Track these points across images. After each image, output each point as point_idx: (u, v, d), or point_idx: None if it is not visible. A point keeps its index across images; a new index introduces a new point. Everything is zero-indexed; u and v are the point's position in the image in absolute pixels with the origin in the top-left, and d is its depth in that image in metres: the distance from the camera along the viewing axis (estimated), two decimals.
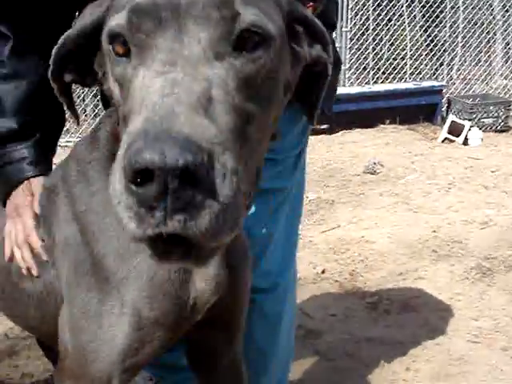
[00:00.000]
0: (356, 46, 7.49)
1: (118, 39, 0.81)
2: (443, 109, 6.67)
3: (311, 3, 1.28)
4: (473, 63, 8.70)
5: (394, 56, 8.48)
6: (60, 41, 0.99)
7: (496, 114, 6.37)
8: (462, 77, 8.37)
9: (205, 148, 0.67)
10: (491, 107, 6.37)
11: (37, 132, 1.38)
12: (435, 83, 6.67)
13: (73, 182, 1.23)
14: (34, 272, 1.32)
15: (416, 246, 3.61)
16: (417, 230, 3.85)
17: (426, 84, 6.58)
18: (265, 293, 1.66)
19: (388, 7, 8.27)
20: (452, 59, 9.14)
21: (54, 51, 0.99)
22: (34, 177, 1.34)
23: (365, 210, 4.23)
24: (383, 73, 7.96)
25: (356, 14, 7.90)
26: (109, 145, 1.17)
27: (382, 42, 8.53)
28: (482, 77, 8.37)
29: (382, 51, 8.54)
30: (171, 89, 0.71)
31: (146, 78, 0.76)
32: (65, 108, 1.10)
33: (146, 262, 1.13)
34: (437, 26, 8.90)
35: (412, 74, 8.68)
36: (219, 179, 0.69)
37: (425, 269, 3.31)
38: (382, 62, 8.25)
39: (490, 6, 9.20)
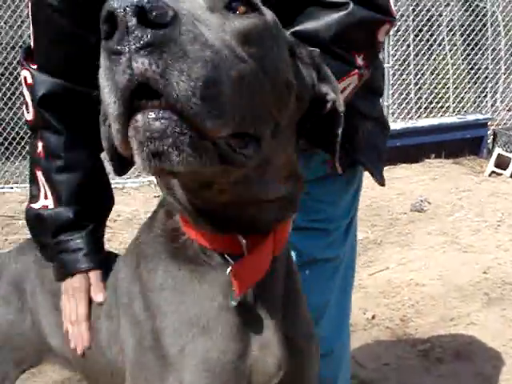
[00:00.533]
0: (398, 82, 7.53)
1: None
2: (489, 141, 6.62)
3: (356, 70, 1.31)
4: None
5: (436, 85, 8.47)
6: None
7: None
8: (506, 106, 8.30)
9: (172, 8, 0.70)
10: None
11: (91, 221, 1.45)
12: (480, 116, 6.62)
13: (133, 261, 1.27)
14: (79, 351, 1.39)
15: (467, 289, 3.59)
16: (467, 271, 3.82)
17: (471, 117, 6.55)
18: (320, 358, 1.69)
19: (428, 35, 8.28)
20: (495, 86, 9.09)
21: None
22: (89, 270, 1.41)
23: (413, 250, 4.22)
24: (425, 103, 7.97)
25: (396, 50, 7.94)
26: (161, 223, 1.20)
27: (424, 71, 8.54)
28: None
29: (425, 84, 8.56)
30: None
31: None
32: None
33: (202, 337, 1.13)
34: (478, 53, 8.88)
35: (455, 104, 8.68)
36: (187, 39, 0.71)
37: (476, 314, 3.29)
38: (424, 92, 8.25)
39: None
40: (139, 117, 0.73)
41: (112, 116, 0.74)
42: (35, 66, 1.44)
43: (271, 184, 1.01)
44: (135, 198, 5.67)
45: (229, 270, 1.07)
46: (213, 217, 1.03)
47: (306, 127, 1.09)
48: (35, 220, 1.48)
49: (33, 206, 1.49)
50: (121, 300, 1.29)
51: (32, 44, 1.45)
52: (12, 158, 7.87)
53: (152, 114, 0.72)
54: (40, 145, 1.46)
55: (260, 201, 1.01)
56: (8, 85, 7.82)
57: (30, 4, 1.42)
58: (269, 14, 0.94)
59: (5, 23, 7.79)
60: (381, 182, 1.58)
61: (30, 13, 1.43)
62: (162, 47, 0.69)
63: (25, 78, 1.45)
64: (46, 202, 1.46)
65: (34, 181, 1.50)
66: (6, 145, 7.94)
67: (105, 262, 1.44)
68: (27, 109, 1.47)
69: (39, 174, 1.47)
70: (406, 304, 3.47)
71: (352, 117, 1.43)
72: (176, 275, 1.13)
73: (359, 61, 1.31)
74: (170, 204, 1.11)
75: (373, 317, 3.33)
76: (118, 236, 4.59)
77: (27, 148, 7.84)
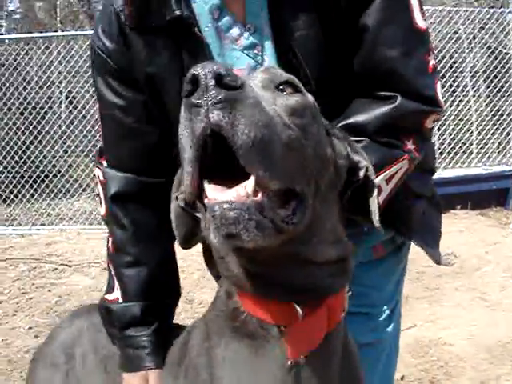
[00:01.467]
0: None
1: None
2: None
3: (406, 155, 1.34)
4: None
5: (459, 131, 8.47)
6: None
7: None
8: None
9: (241, 77, 0.89)
10: None
11: (157, 319, 1.48)
12: (506, 168, 6.62)
13: (200, 336, 1.29)
14: None
15: (496, 350, 3.55)
16: (496, 330, 3.78)
17: (497, 168, 6.55)
18: None
19: (451, 80, 8.32)
20: None
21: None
22: (150, 369, 1.44)
23: (441, 306, 4.20)
24: (448, 149, 7.98)
25: None
26: (222, 304, 1.23)
27: (447, 116, 8.56)
28: None
29: (447, 130, 8.57)
30: None
31: None
32: None
33: None
34: (501, 99, 8.89)
35: (477, 150, 8.67)
36: (250, 102, 0.89)
37: (507, 377, 3.25)
38: (446, 138, 8.26)
39: None
40: (216, 207, 0.88)
41: (187, 159, 0.89)
42: (105, 164, 1.52)
43: (319, 245, 1.08)
44: None
45: (284, 336, 1.11)
46: (268, 282, 1.09)
47: (346, 196, 1.17)
48: (105, 312, 1.53)
49: (107, 296, 1.54)
50: (188, 372, 1.31)
51: (102, 142, 1.53)
52: (40, 199, 7.96)
53: (227, 205, 0.87)
54: (110, 239, 1.53)
55: (309, 262, 1.07)
56: (35, 124, 7.95)
57: (98, 105, 1.51)
58: (310, 97, 1.10)
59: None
60: (438, 261, 1.58)
61: (98, 113, 1.51)
62: (232, 105, 0.86)
63: (98, 176, 1.53)
64: (118, 293, 1.51)
65: (109, 273, 1.55)
66: (33, 184, 8.02)
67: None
68: (101, 204, 1.54)
69: (111, 268, 1.54)
70: (435, 365, 3.44)
71: (405, 197, 1.45)
72: (237, 350, 1.17)
73: (409, 145, 1.35)
74: (228, 283, 1.18)
75: (402, 378, 3.30)
76: None
77: (54, 188, 7.95)
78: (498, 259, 4.97)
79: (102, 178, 1.52)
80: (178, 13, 1.32)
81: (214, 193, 0.90)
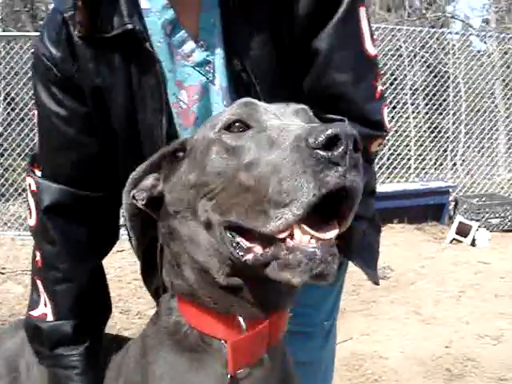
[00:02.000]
0: None
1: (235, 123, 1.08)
2: (450, 207, 6.79)
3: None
4: (476, 150, 8.88)
5: (397, 146, 8.66)
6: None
7: (503, 214, 6.47)
8: (466, 167, 8.53)
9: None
10: (498, 207, 6.48)
11: (88, 337, 1.44)
12: (442, 184, 6.81)
13: (137, 352, 1.28)
14: None
15: (430, 364, 3.62)
16: (429, 344, 3.86)
17: (434, 185, 6.71)
18: None
19: (391, 97, 8.51)
20: (456, 148, 9.35)
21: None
22: None
23: (376, 320, 4.26)
24: (387, 164, 8.14)
25: None
26: (164, 319, 1.23)
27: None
28: (487, 169, 8.48)
29: (386, 145, 8.75)
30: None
31: (274, 132, 1.02)
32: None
33: None
34: (440, 116, 9.15)
35: (415, 165, 8.88)
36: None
37: None
38: (386, 155, 8.43)
39: (492, 94, 9.47)
40: (318, 251, 0.94)
41: (301, 204, 0.92)
42: (39, 173, 1.45)
43: None
44: None
45: (225, 349, 1.12)
46: (237, 295, 1.10)
47: None
48: (33, 330, 1.47)
49: (32, 313, 1.48)
50: None
51: (37, 150, 1.47)
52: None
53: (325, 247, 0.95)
54: (38, 254, 1.47)
55: None
56: None
57: (36, 112, 1.45)
58: None
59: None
60: (376, 282, 1.60)
61: (36, 120, 1.45)
62: (358, 166, 0.94)
63: (29, 184, 1.46)
64: (45, 309, 1.45)
65: (34, 287, 1.49)
66: None
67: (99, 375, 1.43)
68: (30, 214, 1.47)
69: (38, 283, 1.47)
70: (369, 378, 3.47)
71: None
72: (176, 365, 1.17)
73: None
74: (177, 290, 1.18)
75: None
76: None
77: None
78: (432, 273, 5.09)
79: (34, 187, 1.45)
80: (129, 26, 1.29)
81: (316, 232, 0.96)
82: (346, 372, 3.55)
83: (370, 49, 1.37)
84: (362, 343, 3.91)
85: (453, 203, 6.81)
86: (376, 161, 8.57)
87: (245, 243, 1.03)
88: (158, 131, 1.35)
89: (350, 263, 1.62)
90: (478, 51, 10.65)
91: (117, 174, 1.40)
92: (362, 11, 1.37)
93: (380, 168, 8.23)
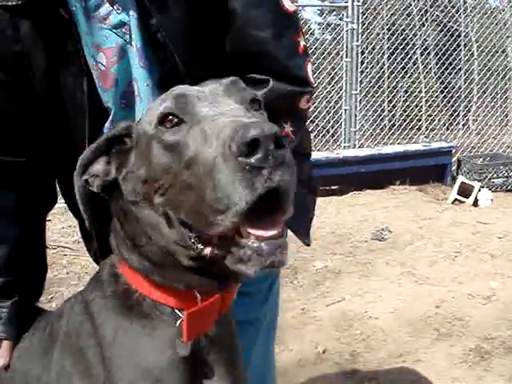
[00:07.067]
0: (370, 104, 7.64)
1: (167, 117, 1.07)
2: (453, 169, 6.75)
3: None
4: (487, 110, 8.79)
5: (408, 105, 8.59)
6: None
7: (506, 174, 6.43)
8: (477, 127, 8.45)
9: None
10: (501, 167, 6.44)
11: (17, 293, 1.48)
12: (444, 144, 6.74)
13: (77, 319, 1.31)
14: None
15: (418, 324, 3.65)
16: (420, 304, 3.89)
17: (436, 145, 6.66)
18: None
19: (401, 56, 8.42)
20: (467, 106, 9.25)
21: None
22: (4, 339, 1.45)
23: (370, 281, 4.29)
24: (398, 123, 8.10)
25: (369, 71, 8.05)
26: (110, 285, 1.27)
27: (395, 92, 8.65)
28: (497, 129, 8.40)
29: (398, 103, 8.68)
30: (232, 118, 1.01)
31: (207, 125, 1.01)
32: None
33: None
34: (451, 74, 9.04)
35: (425, 126, 8.81)
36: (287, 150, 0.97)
37: (424, 350, 3.36)
38: (396, 112, 8.38)
39: (503, 52, 9.32)
40: (264, 246, 0.96)
41: (235, 211, 0.94)
42: None
43: None
44: None
45: (180, 320, 1.16)
46: (203, 274, 1.13)
47: None
48: None
49: None
50: (67, 354, 1.31)
51: None
52: None
53: (274, 240, 0.97)
54: None
55: None
56: None
57: None
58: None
59: None
60: (307, 242, 1.64)
61: None
62: (285, 163, 0.95)
63: None
64: None
65: None
66: None
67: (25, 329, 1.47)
68: None
69: None
70: (357, 338, 3.53)
71: None
72: (128, 330, 1.20)
73: (286, 128, 1.41)
74: (132, 264, 1.20)
75: (323, 351, 3.39)
76: (81, 260, 4.63)
77: None
78: (430, 234, 5.09)
79: None
80: None
81: (258, 231, 0.97)
82: (334, 332, 3.61)
83: (288, 4, 1.39)
84: (353, 304, 3.96)
85: (456, 164, 6.77)
86: (386, 122, 8.55)
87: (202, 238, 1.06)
88: (80, 94, 1.38)
89: None
90: (493, 8, 10.39)
91: (43, 140, 1.44)
92: None
93: (390, 129, 8.20)
